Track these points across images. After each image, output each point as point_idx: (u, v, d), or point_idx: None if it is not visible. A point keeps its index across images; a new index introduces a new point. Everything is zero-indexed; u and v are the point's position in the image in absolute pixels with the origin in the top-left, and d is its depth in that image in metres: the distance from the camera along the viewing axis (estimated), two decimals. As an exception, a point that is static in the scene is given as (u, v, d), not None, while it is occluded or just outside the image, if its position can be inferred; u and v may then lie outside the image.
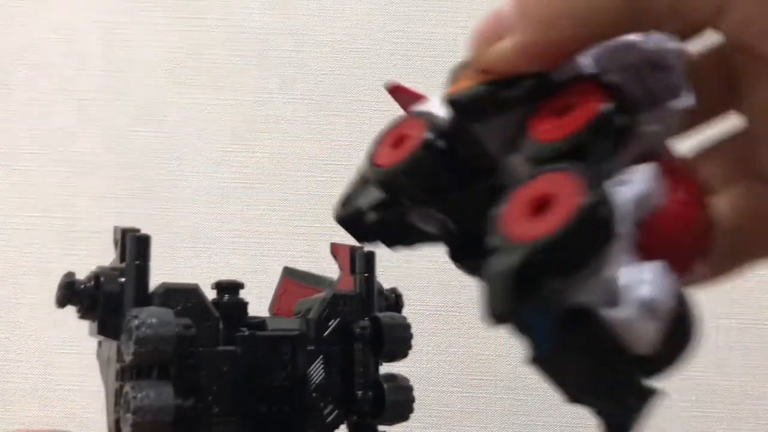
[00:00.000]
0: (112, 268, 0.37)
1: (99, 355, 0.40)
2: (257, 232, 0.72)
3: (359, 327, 0.38)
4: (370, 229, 0.28)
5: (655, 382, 0.25)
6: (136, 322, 0.32)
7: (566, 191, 0.21)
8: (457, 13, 0.75)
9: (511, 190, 0.22)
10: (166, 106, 0.74)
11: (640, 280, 0.21)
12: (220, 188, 0.74)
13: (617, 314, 0.21)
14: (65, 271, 0.39)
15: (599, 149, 0.22)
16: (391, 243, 0.29)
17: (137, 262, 0.36)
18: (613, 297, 0.21)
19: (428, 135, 0.25)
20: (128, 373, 0.34)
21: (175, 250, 0.73)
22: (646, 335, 0.22)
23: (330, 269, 0.45)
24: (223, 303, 0.37)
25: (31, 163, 0.74)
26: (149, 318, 0.32)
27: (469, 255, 0.27)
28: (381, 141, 0.29)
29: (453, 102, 0.25)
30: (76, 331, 0.74)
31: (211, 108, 0.74)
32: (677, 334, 0.24)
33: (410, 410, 0.39)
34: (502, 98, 0.24)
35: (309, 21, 0.75)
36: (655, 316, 0.22)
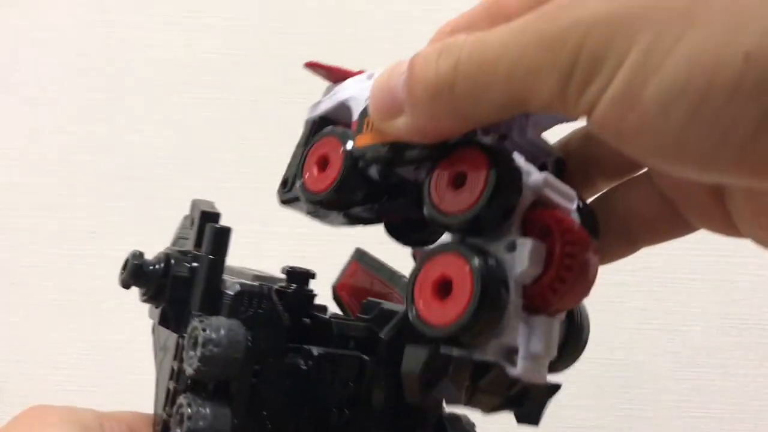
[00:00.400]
0: (183, 252, 0.34)
1: (155, 333, 0.36)
2: (258, 232, 0.72)
3: None
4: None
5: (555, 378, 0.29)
6: (204, 336, 0.29)
7: (461, 275, 0.25)
8: (456, 12, 0.75)
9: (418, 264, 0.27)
10: (166, 106, 0.74)
11: (529, 336, 0.26)
12: (220, 188, 0.74)
13: (516, 370, 0.26)
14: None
15: (493, 218, 0.26)
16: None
17: (212, 257, 0.32)
18: (510, 353, 0.26)
19: (348, 147, 0.29)
20: (185, 382, 0.31)
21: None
22: (540, 377, 0.27)
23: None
24: (290, 294, 0.34)
25: (31, 163, 0.74)
26: (219, 335, 0.29)
27: (404, 232, 0.33)
28: (307, 165, 0.33)
29: (360, 157, 0.29)
30: (76, 332, 0.74)
31: (211, 107, 0.74)
32: (571, 351, 0.31)
33: None
34: (400, 158, 0.28)
35: (309, 21, 0.75)
36: (544, 364, 0.27)
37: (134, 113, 0.74)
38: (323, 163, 0.31)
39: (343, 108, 0.33)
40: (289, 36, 0.74)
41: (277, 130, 0.75)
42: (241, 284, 0.32)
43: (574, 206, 0.28)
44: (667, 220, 0.32)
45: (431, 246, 0.29)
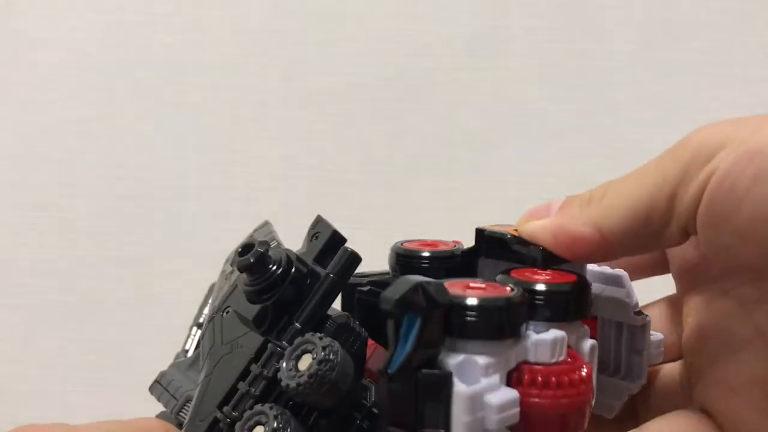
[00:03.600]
0: (301, 261, 0.32)
1: (212, 323, 0.34)
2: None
3: None
4: None
5: None
6: (323, 355, 0.27)
7: None
8: (457, 12, 0.75)
9: None
10: (167, 106, 0.74)
11: None
12: (220, 187, 0.74)
13: None
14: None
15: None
16: None
17: (335, 278, 0.31)
18: None
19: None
20: (264, 389, 0.30)
21: (175, 250, 0.73)
22: None
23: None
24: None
25: (31, 163, 0.74)
26: (337, 359, 0.28)
27: None
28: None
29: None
30: (76, 332, 0.74)
31: (212, 107, 0.74)
32: None
33: None
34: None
35: (309, 20, 0.75)
36: None
37: (134, 113, 0.74)
38: None
39: None
40: (289, 36, 0.74)
41: (277, 130, 0.75)
42: (347, 316, 0.31)
43: None
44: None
45: None
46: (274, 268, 0.31)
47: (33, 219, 0.74)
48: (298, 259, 0.32)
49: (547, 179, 0.73)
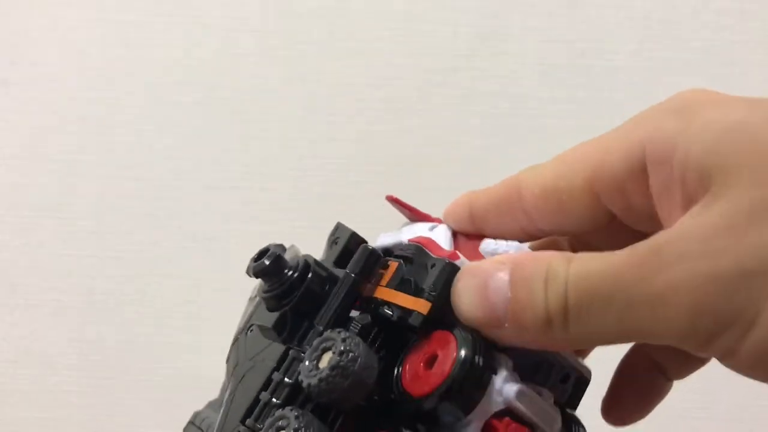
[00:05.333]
0: (320, 265, 0.31)
1: (236, 344, 0.33)
2: (257, 232, 0.72)
3: None
4: None
5: None
6: (344, 346, 0.27)
7: None
8: (457, 12, 0.75)
9: None
10: (167, 106, 0.74)
11: None
12: (219, 188, 0.74)
13: None
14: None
15: (448, 408, 0.26)
16: None
17: (357, 276, 0.30)
18: None
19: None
20: (287, 396, 0.28)
21: (174, 250, 0.73)
22: None
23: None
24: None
25: (31, 163, 0.74)
26: (358, 350, 0.27)
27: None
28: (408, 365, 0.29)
29: None
30: (76, 332, 0.74)
31: (212, 107, 0.74)
32: None
33: None
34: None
35: (308, 20, 0.75)
36: None
37: (134, 113, 0.74)
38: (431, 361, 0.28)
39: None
40: (289, 36, 0.74)
41: (278, 130, 0.75)
42: (372, 316, 0.30)
43: (554, 428, 0.28)
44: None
45: None
46: (291, 272, 0.30)
47: (33, 219, 0.74)
48: (316, 262, 0.31)
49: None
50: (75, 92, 0.74)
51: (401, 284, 0.29)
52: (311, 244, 0.71)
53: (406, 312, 0.28)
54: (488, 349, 0.27)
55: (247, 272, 0.32)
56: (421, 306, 0.28)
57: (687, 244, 0.23)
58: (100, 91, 0.74)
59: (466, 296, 0.27)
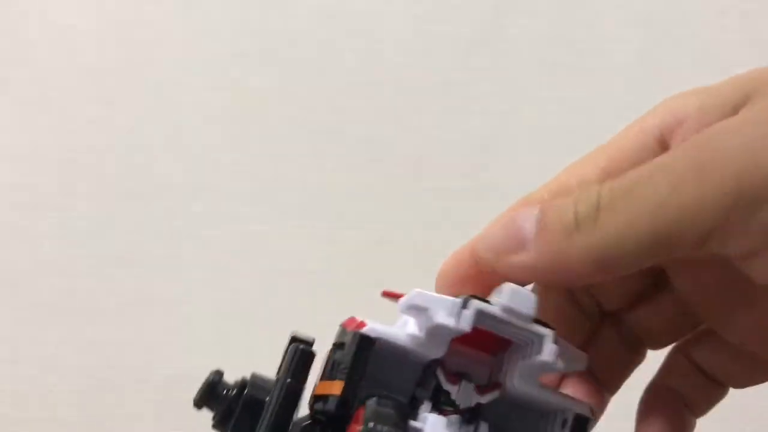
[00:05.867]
0: (263, 381, 0.32)
1: None
2: (257, 232, 0.72)
3: None
4: None
5: None
6: None
7: None
8: (457, 12, 0.75)
9: None
10: (167, 106, 0.74)
11: None
12: (220, 188, 0.74)
13: None
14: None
15: None
16: None
17: (289, 380, 0.30)
18: None
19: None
20: None
21: (174, 250, 0.73)
22: None
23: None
24: None
25: (31, 163, 0.74)
26: None
27: None
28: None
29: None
30: (76, 332, 0.74)
31: (212, 107, 0.74)
32: None
33: None
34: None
35: (309, 20, 0.75)
36: None
37: (134, 113, 0.74)
38: None
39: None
40: (290, 36, 0.74)
41: (278, 130, 0.75)
42: (312, 417, 0.29)
43: None
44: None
45: None
46: (226, 392, 0.30)
47: (33, 219, 0.74)
48: (256, 376, 0.31)
49: (547, 179, 0.73)
50: (75, 92, 0.74)
51: (328, 371, 0.29)
52: (311, 244, 0.71)
53: (325, 398, 0.27)
54: (404, 411, 0.26)
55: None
56: (335, 388, 0.27)
57: (729, 124, 0.23)
58: (100, 91, 0.74)
59: (490, 232, 0.26)
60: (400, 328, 0.28)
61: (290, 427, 0.29)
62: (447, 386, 0.28)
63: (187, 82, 0.74)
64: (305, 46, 0.74)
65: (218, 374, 0.31)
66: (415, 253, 0.70)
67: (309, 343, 0.30)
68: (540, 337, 0.26)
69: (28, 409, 0.73)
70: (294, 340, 0.31)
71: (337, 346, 0.29)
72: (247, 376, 0.31)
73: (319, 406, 0.28)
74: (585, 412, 0.29)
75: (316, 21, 0.74)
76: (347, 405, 0.27)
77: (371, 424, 0.25)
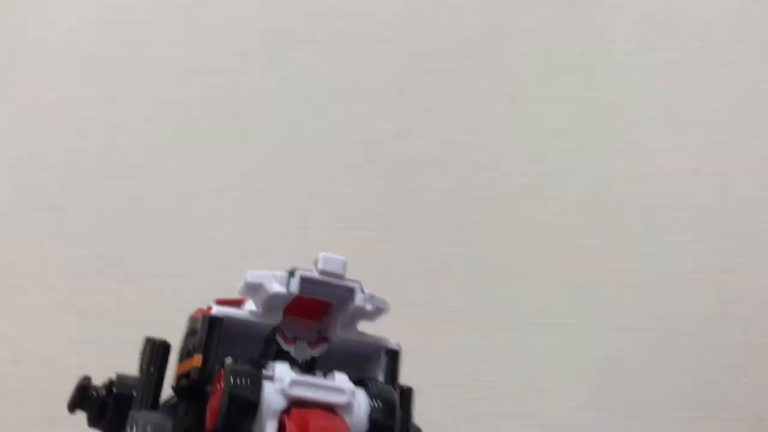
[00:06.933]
0: (127, 379, 0.36)
1: None
2: (257, 232, 0.72)
3: None
4: None
5: None
6: (133, 429, 0.32)
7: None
8: (457, 12, 0.75)
9: None
10: (166, 106, 0.74)
11: None
12: (219, 188, 0.74)
13: None
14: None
15: (235, 427, 0.30)
16: None
17: (151, 369, 0.35)
18: None
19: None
20: None
21: (172, 250, 0.73)
22: None
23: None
24: None
25: (31, 163, 0.74)
26: (146, 425, 0.31)
27: None
28: None
29: None
30: (77, 332, 0.74)
31: (212, 107, 0.74)
32: None
33: None
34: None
35: (309, 20, 0.75)
36: None
37: (134, 113, 0.74)
38: None
39: None
40: (290, 36, 0.74)
41: (278, 130, 0.75)
42: (177, 393, 0.33)
43: (342, 399, 0.31)
44: None
45: None
46: (97, 393, 0.35)
47: (33, 219, 0.74)
48: (121, 375, 0.36)
49: (547, 179, 0.73)
50: (75, 92, 0.74)
51: (185, 354, 0.34)
52: (311, 244, 0.71)
53: (187, 374, 0.32)
54: (256, 365, 0.31)
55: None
56: (195, 361, 0.32)
57: None
58: (100, 91, 0.74)
59: None
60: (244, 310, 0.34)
61: (159, 410, 0.33)
62: (286, 347, 0.34)
63: (188, 82, 0.74)
64: (304, 46, 0.74)
65: (87, 379, 0.36)
66: (416, 253, 0.70)
67: (163, 341, 0.35)
68: (351, 290, 0.33)
69: (29, 409, 0.73)
70: (148, 339, 0.36)
71: (190, 333, 0.34)
72: (113, 377, 0.36)
73: (183, 382, 0.32)
74: (394, 347, 0.36)
75: (315, 21, 0.74)
76: (207, 373, 0.32)
77: (231, 377, 0.30)
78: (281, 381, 0.31)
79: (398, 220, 0.73)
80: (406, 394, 0.38)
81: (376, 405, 0.32)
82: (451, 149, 0.74)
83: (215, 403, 0.30)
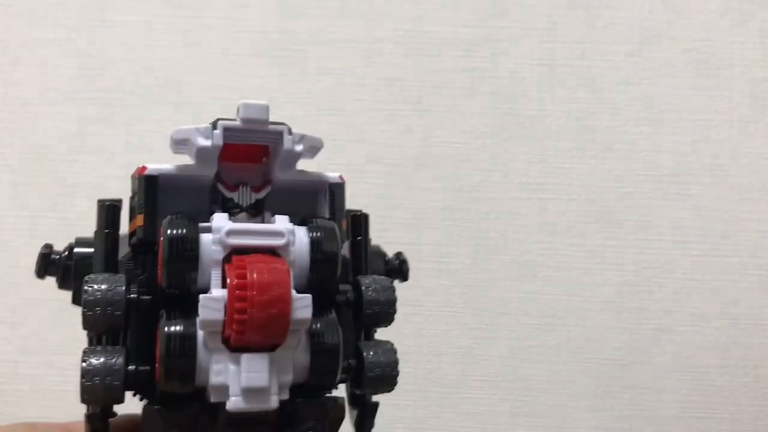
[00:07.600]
0: (87, 239, 0.38)
1: None
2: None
3: (341, 293, 0.35)
4: None
5: None
6: (86, 287, 0.32)
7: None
8: (458, 11, 0.75)
9: None
10: (166, 106, 0.74)
11: (239, 373, 0.30)
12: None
13: (229, 405, 0.30)
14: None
15: (176, 282, 0.31)
16: None
17: (106, 230, 0.36)
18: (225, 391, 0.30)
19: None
20: (88, 342, 0.34)
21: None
22: (266, 405, 0.30)
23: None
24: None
25: (31, 163, 0.74)
26: (100, 283, 0.32)
27: None
28: None
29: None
30: (76, 332, 0.74)
31: (212, 107, 0.74)
32: (325, 370, 0.32)
33: (394, 380, 0.35)
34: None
35: (308, 20, 0.75)
36: (269, 392, 0.30)
37: (134, 113, 0.74)
38: None
39: None
40: (289, 36, 0.74)
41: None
42: (132, 250, 0.34)
43: (280, 241, 0.31)
44: None
45: None
46: (59, 257, 0.37)
47: (33, 219, 0.74)
48: (79, 238, 0.38)
49: (547, 179, 0.73)
50: (75, 92, 0.74)
51: (131, 215, 0.35)
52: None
53: (134, 232, 0.34)
54: (194, 218, 0.32)
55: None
56: (139, 220, 0.34)
57: None
58: (100, 91, 0.74)
59: None
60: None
61: (117, 267, 0.35)
62: (228, 194, 0.34)
63: (188, 82, 0.74)
64: (304, 46, 0.74)
65: (48, 246, 0.38)
66: (416, 253, 0.70)
67: (113, 202, 0.37)
68: (279, 133, 0.34)
69: (29, 409, 0.73)
70: (99, 202, 0.38)
71: (133, 195, 0.36)
72: (72, 241, 0.37)
73: (133, 240, 0.34)
74: (336, 179, 0.38)
75: (315, 21, 0.74)
76: (154, 230, 0.33)
77: (168, 232, 0.31)
78: (218, 231, 0.31)
79: (398, 220, 0.73)
80: (358, 219, 0.39)
81: (316, 238, 0.33)
82: (451, 149, 0.74)
83: (160, 258, 0.31)
